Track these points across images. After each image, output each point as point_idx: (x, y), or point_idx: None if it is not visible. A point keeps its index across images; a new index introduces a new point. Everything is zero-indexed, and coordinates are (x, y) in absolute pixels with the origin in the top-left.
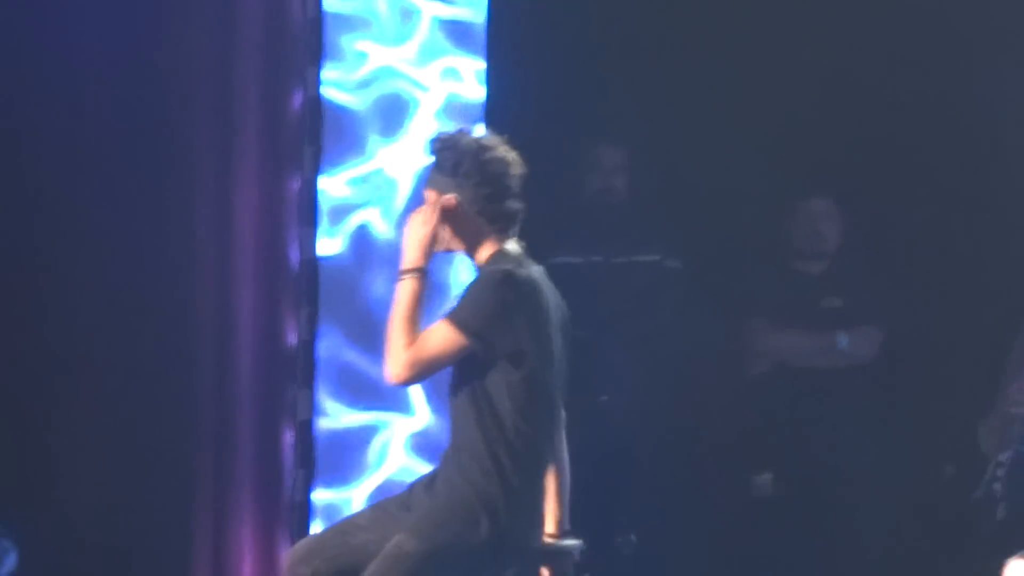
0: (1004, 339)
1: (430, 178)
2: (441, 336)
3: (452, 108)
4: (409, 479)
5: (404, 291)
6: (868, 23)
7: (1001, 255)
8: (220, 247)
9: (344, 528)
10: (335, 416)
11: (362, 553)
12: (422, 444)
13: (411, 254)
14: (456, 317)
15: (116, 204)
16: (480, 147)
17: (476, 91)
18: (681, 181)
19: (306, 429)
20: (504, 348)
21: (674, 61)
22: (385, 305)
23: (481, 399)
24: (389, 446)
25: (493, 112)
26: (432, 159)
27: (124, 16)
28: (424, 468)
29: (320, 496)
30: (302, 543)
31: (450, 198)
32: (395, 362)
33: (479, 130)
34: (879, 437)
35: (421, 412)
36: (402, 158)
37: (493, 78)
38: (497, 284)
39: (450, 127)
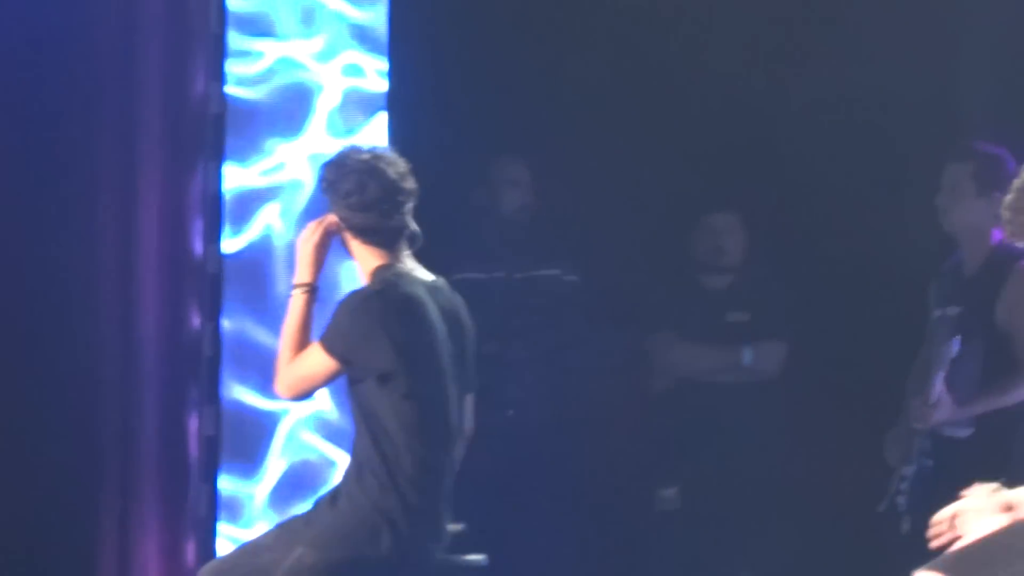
0: (908, 353)
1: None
2: (314, 358)
3: (352, 101)
4: (314, 462)
5: (292, 307)
6: (770, 38)
7: (906, 269)
8: (123, 243)
9: (250, 549)
10: (239, 405)
11: (268, 572)
12: (324, 428)
13: (298, 269)
14: (324, 339)
15: (15, 200)
16: (360, 165)
17: (378, 84)
18: (584, 195)
19: (211, 419)
20: (372, 368)
21: (574, 72)
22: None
23: (370, 416)
24: (293, 433)
25: (393, 117)
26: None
27: (25, 12)
28: (328, 451)
29: (225, 486)
30: (209, 565)
31: (331, 219)
32: (278, 379)
33: (378, 128)
34: (784, 451)
35: (322, 398)
36: (303, 153)
37: (394, 79)
38: (356, 305)
39: (352, 121)
